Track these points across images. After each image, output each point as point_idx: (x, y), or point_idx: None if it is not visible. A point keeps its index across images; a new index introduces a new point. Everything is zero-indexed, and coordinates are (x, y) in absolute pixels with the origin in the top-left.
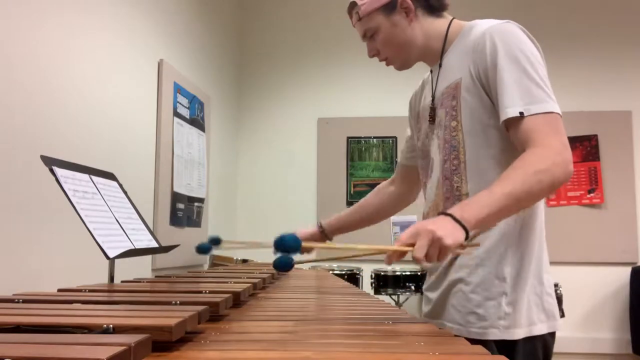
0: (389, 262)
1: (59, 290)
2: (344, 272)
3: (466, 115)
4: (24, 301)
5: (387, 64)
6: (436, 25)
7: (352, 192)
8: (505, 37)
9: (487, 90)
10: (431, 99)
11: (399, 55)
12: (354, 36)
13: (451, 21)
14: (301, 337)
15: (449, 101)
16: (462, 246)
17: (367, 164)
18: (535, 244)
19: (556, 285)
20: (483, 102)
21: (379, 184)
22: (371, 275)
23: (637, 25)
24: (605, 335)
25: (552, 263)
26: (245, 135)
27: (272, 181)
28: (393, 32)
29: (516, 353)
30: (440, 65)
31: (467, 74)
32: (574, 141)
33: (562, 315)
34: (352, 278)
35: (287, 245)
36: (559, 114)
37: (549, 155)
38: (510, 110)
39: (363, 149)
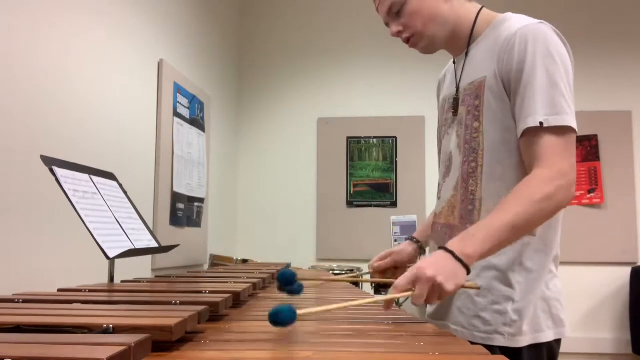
0: (387, 309)
1: (59, 290)
2: (343, 272)
3: (488, 118)
4: (24, 301)
5: (411, 44)
6: (467, 8)
7: (352, 192)
8: (537, 40)
9: (509, 92)
10: (455, 89)
11: (425, 31)
12: (354, 36)
13: (480, 9)
14: (301, 337)
15: (471, 99)
16: (462, 287)
17: (367, 164)
18: (551, 253)
19: None
20: (505, 105)
21: (379, 184)
22: (371, 276)
23: (637, 25)
24: (605, 335)
25: None
26: (245, 135)
27: (272, 181)
28: (422, 3)
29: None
30: (466, 55)
31: (492, 73)
32: None
33: None
34: None
35: (283, 321)
36: (574, 130)
37: (554, 178)
38: (530, 119)
39: (363, 149)
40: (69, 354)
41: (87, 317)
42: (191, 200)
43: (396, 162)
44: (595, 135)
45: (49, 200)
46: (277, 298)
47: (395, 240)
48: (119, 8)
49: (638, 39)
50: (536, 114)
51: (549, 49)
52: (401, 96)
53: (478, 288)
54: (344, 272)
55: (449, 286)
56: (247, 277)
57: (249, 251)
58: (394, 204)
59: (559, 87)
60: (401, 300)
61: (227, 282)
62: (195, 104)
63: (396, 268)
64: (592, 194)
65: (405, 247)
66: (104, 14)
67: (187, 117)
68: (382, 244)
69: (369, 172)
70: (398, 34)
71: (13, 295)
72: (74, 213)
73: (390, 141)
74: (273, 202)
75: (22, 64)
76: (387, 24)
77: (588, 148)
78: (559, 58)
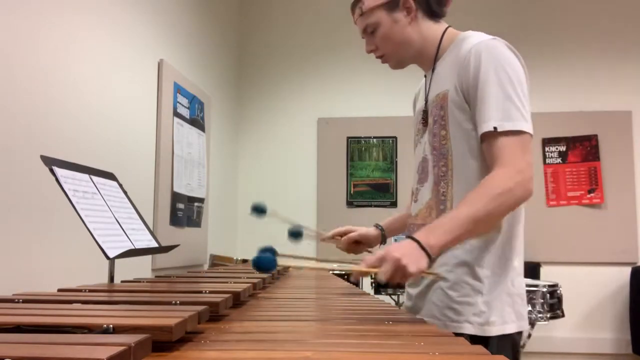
0: (355, 279)
1: (59, 290)
2: (344, 272)
3: (453, 126)
4: (24, 301)
5: (383, 62)
6: (433, 29)
7: (352, 192)
8: (489, 54)
9: (469, 102)
10: (424, 102)
11: (395, 53)
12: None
13: (446, 29)
14: (301, 337)
15: (437, 110)
16: (423, 272)
17: (367, 164)
18: (514, 251)
19: (556, 285)
20: (467, 114)
21: (379, 184)
22: (371, 276)
23: (637, 25)
24: (605, 335)
25: (552, 263)
26: (245, 135)
27: (272, 181)
28: (393, 29)
29: (489, 349)
30: (433, 71)
31: (453, 87)
32: (574, 141)
33: (562, 315)
34: None
35: (264, 266)
36: (529, 133)
37: (512, 175)
38: (485, 125)
39: (363, 149)
40: (69, 354)
41: (87, 317)
42: (191, 200)
43: (396, 162)
44: (595, 135)
45: (49, 200)
46: (277, 298)
47: (395, 240)
48: (119, 8)
49: (638, 39)
50: (490, 120)
51: (500, 62)
52: (401, 96)
53: (437, 275)
54: (344, 273)
55: (412, 268)
56: (247, 277)
57: (249, 251)
58: (394, 204)
59: (510, 97)
60: (378, 278)
61: (227, 282)
62: (195, 104)
63: (357, 242)
64: (592, 194)
65: (371, 230)
66: (104, 14)
67: (187, 117)
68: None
69: (369, 172)
70: (371, 51)
71: (13, 295)
72: (74, 213)
73: (390, 141)
74: (273, 202)
75: (23, 64)
76: (363, 37)
77: (588, 148)
78: (511, 69)
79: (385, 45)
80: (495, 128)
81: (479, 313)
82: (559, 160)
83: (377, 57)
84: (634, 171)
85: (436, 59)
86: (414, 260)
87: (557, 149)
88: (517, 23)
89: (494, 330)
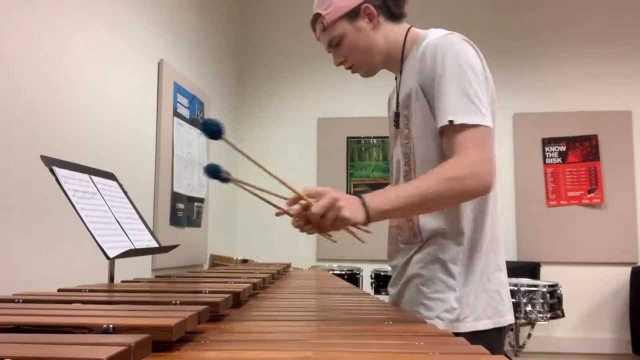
0: (290, 204)
1: (59, 290)
2: (344, 272)
3: (415, 124)
4: (24, 301)
5: (353, 71)
6: (396, 31)
7: (352, 192)
8: (445, 50)
9: (429, 99)
10: (396, 104)
11: (364, 61)
12: None
13: (409, 29)
14: (301, 337)
15: (404, 110)
16: (356, 226)
17: (367, 164)
18: (484, 245)
19: (556, 285)
20: (428, 112)
21: (379, 184)
22: (371, 275)
23: (637, 25)
24: (605, 335)
25: (552, 263)
26: (245, 135)
27: (272, 181)
28: (358, 38)
29: None
30: (401, 73)
31: (415, 85)
32: (574, 141)
33: (562, 315)
34: (352, 278)
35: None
36: (487, 127)
37: (468, 165)
38: (441, 120)
39: (363, 149)
40: (69, 354)
41: (87, 317)
42: (191, 200)
43: None
44: (595, 135)
45: (49, 200)
46: (277, 298)
47: None
48: (119, 8)
49: (638, 39)
50: (446, 115)
51: (456, 57)
52: None
53: (369, 232)
54: (344, 272)
55: (346, 212)
56: (247, 277)
57: (249, 251)
58: None
59: (467, 91)
60: (312, 209)
61: (227, 282)
62: (195, 104)
63: None
64: (592, 194)
65: None
66: (104, 14)
67: (187, 117)
68: (382, 243)
69: (369, 172)
70: (340, 64)
71: (13, 295)
72: (74, 213)
73: None
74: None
75: (23, 64)
76: (329, 52)
77: (588, 148)
78: (467, 64)
79: (353, 54)
80: (450, 122)
81: (450, 309)
82: (559, 160)
83: (347, 68)
84: (634, 171)
85: (402, 60)
86: (351, 208)
87: (557, 149)
88: (519, 24)
89: (465, 327)
